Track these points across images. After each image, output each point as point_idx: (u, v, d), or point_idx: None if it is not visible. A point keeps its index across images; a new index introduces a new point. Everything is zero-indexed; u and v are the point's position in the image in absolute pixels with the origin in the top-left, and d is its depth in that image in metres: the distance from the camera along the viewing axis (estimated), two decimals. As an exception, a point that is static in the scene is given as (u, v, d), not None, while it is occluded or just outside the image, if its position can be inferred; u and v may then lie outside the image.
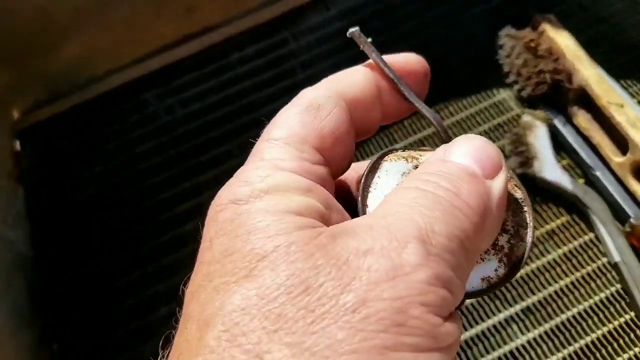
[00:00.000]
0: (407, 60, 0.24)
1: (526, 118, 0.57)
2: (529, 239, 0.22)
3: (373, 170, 0.22)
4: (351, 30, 0.23)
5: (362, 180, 0.21)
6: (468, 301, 0.50)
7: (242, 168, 0.20)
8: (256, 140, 0.21)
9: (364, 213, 0.20)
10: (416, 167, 0.22)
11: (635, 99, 0.60)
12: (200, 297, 0.17)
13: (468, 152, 0.19)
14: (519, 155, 0.54)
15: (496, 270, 0.21)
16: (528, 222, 0.22)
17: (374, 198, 0.21)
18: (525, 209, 0.22)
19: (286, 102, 0.66)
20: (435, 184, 0.18)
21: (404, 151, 0.23)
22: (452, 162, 0.19)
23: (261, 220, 0.17)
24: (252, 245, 0.17)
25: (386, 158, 0.22)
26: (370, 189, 0.21)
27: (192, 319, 0.17)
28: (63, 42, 0.66)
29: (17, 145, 0.68)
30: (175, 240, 0.59)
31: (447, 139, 0.23)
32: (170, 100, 0.69)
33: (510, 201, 0.22)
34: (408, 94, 0.23)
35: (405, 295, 0.16)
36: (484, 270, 0.21)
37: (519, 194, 0.23)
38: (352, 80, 0.22)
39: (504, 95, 0.62)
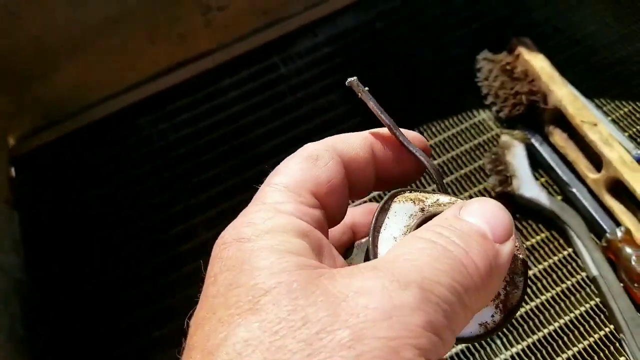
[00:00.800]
0: (412, 137, 0.25)
1: (504, 138, 0.59)
2: (522, 286, 0.23)
3: (383, 211, 0.23)
4: (349, 80, 0.25)
5: (373, 222, 0.22)
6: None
7: (245, 210, 0.21)
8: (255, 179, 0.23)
9: (375, 253, 0.22)
10: (422, 209, 0.23)
11: (609, 117, 0.63)
12: (205, 329, 0.18)
13: (483, 214, 0.20)
14: (498, 174, 0.57)
15: (493, 316, 0.22)
16: (522, 269, 0.23)
17: (384, 239, 0.22)
18: (520, 256, 0.23)
19: (276, 126, 0.69)
20: (447, 238, 0.19)
21: (411, 192, 0.23)
22: (466, 222, 0.20)
23: (265, 258, 0.19)
24: (256, 281, 0.18)
25: (395, 199, 0.23)
26: (380, 229, 0.22)
27: (196, 349, 0.18)
28: (58, 70, 0.68)
29: (13, 171, 0.69)
30: (170, 261, 0.61)
31: (442, 185, 0.25)
32: (163, 125, 0.71)
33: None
34: (404, 140, 0.24)
35: (400, 337, 0.16)
36: (481, 317, 0.22)
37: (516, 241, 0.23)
38: (350, 141, 0.23)
39: (483, 116, 0.65)
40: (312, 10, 0.77)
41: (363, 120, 0.67)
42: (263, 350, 0.17)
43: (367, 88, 0.25)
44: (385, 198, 0.23)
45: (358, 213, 0.28)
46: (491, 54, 0.63)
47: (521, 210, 0.57)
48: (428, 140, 0.64)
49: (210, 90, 0.73)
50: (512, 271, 0.23)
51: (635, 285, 0.49)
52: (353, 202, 0.49)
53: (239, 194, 0.64)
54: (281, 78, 0.73)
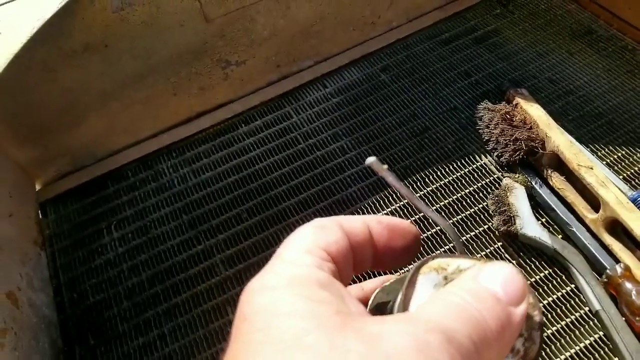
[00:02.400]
0: (403, 224, 0.28)
1: (506, 181, 0.63)
2: (539, 340, 0.25)
3: (411, 284, 0.25)
4: (369, 161, 0.27)
5: (402, 296, 0.24)
6: None
7: (267, 266, 0.24)
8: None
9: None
10: (445, 277, 0.25)
11: (604, 161, 0.67)
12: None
13: (498, 279, 0.23)
14: (501, 214, 0.60)
15: None
16: (538, 324, 0.25)
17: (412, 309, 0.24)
18: (536, 312, 0.25)
19: (290, 169, 0.75)
20: (465, 300, 0.21)
21: (434, 259, 0.26)
22: (482, 285, 0.22)
23: (300, 303, 0.21)
24: (296, 322, 0.20)
25: (420, 271, 0.25)
26: (409, 303, 0.24)
27: None
28: (86, 120, 0.73)
29: (40, 213, 0.73)
30: (190, 300, 0.63)
31: (461, 247, 0.28)
32: (184, 170, 0.75)
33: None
34: (423, 208, 0.28)
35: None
36: None
37: (530, 298, 0.25)
38: (350, 219, 0.27)
39: (485, 160, 0.69)
40: (322, 65, 0.83)
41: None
42: None
43: (385, 166, 0.27)
44: (412, 271, 0.25)
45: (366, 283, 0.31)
46: (491, 104, 0.68)
47: (524, 248, 0.60)
48: (434, 184, 0.68)
49: (228, 137, 0.77)
50: (529, 327, 0.25)
51: (637, 318, 0.51)
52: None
53: (257, 233, 0.67)
54: (294, 126, 0.77)
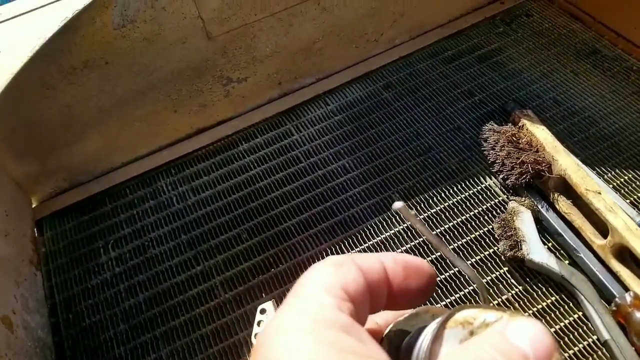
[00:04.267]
0: (419, 263, 0.27)
1: (512, 204, 0.62)
2: None
3: (437, 339, 0.24)
4: (397, 205, 0.26)
5: (427, 351, 0.23)
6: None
7: (285, 304, 0.23)
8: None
9: None
10: (471, 332, 0.24)
11: (610, 185, 0.66)
12: None
13: (527, 336, 0.22)
14: (508, 239, 0.59)
15: None
16: None
17: None
18: None
19: (291, 188, 0.73)
20: (491, 356, 0.21)
21: (460, 312, 0.25)
22: (511, 342, 0.22)
23: (320, 353, 0.20)
24: None
25: (446, 326, 0.24)
26: (434, 358, 0.23)
27: None
28: (84, 137, 0.72)
29: (36, 231, 0.71)
30: (188, 324, 0.62)
31: (486, 298, 0.27)
32: (183, 188, 0.74)
33: None
34: (449, 254, 0.27)
35: None
36: None
37: (557, 355, 0.24)
38: (366, 256, 0.26)
39: (490, 182, 0.68)
40: (323, 82, 0.82)
41: (372, 185, 0.70)
42: None
43: (413, 211, 0.26)
44: (438, 325, 0.24)
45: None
46: (497, 125, 0.67)
47: (531, 274, 0.59)
48: (438, 205, 0.67)
49: (228, 155, 0.76)
50: None
51: (647, 349, 0.50)
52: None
53: (257, 255, 0.66)
54: (295, 143, 0.76)
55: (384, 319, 0.29)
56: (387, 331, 0.28)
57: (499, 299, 0.58)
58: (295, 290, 0.24)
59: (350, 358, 0.20)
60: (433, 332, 0.24)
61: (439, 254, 0.62)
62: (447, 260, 0.23)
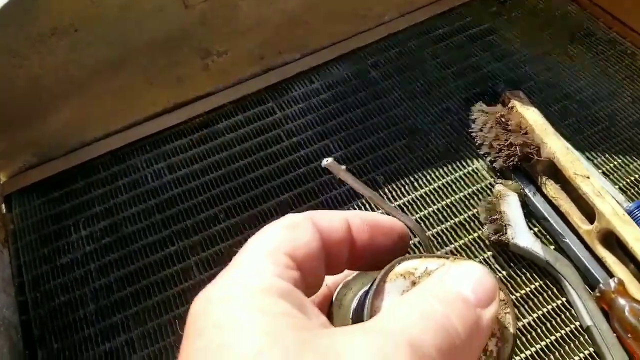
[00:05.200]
0: (388, 222, 0.26)
1: (499, 188, 0.60)
2: (512, 339, 0.24)
3: (378, 295, 0.23)
4: (326, 162, 0.25)
5: (369, 306, 0.23)
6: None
7: (224, 271, 0.22)
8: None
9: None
10: (413, 282, 0.24)
11: (600, 170, 0.64)
12: None
13: (467, 280, 0.22)
14: (492, 223, 0.57)
15: None
16: (511, 323, 0.24)
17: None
18: (508, 309, 0.24)
19: (273, 168, 0.70)
20: (432, 305, 0.20)
21: (400, 264, 0.24)
22: (450, 287, 0.21)
23: (256, 318, 0.19)
24: (251, 340, 0.19)
25: (386, 279, 0.24)
26: (377, 313, 0.23)
27: None
28: (55, 109, 0.69)
29: (3, 208, 0.68)
30: (160, 304, 0.59)
31: (428, 244, 0.27)
32: (158, 165, 0.71)
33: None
34: (388, 207, 0.26)
35: None
36: None
37: (502, 295, 0.24)
38: (328, 215, 0.24)
39: (477, 165, 0.66)
40: (309, 58, 0.79)
41: (356, 165, 0.68)
42: None
43: (344, 166, 0.25)
44: (377, 281, 0.24)
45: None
46: (486, 106, 0.65)
47: (515, 259, 0.57)
48: (422, 188, 0.65)
49: (206, 132, 0.73)
50: (501, 326, 0.24)
51: (629, 336, 0.48)
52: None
53: (234, 235, 0.63)
54: (277, 122, 0.74)
55: (334, 280, 0.28)
56: (335, 293, 0.27)
57: (482, 285, 0.56)
58: (236, 257, 0.22)
59: (283, 322, 0.19)
60: (374, 287, 0.23)
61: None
62: (389, 214, 0.22)
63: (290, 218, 0.24)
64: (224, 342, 0.19)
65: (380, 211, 0.55)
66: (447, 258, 0.24)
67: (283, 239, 0.22)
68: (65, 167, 0.71)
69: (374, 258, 0.25)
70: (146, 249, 0.64)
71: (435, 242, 0.60)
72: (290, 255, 0.22)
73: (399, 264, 0.24)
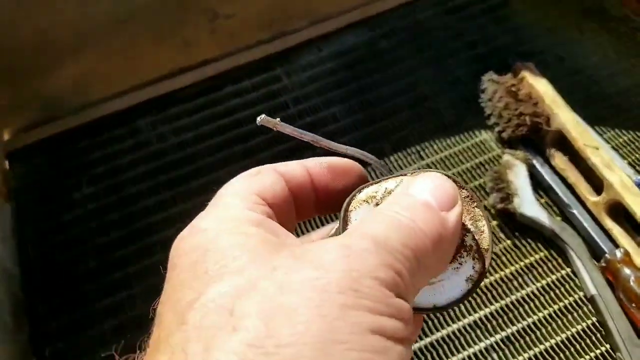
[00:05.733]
0: (344, 163, 0.27)
1: (506, 157, 0.59)
2: (487, 228, 0.25)
3: (345, 224, 0.24)
4: (259, 118, 0.26)
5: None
6: (446, 331, 0.51)
7: (201, 213, 0.23)
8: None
9: None
10: (377, 204, 0.24)
11: (609, 145, 0.63)
12: (173, 298, 0.20)
13: (427, 188, 0.23)
14: (499, 192, 0.57)
15: (474, 267, 0.24)
16: (481, 214, 0.25)
17: None
18: (475, 204, 0.25)
19: (277, 134, 0.70)
20: (397, 212, 0.21)
21: (360, 193, 0.25)
22: (413, 196, 0.22)
23: (228, 238, 0.21)
24: (223, 254, 0.20)
25: (350, 209, 0.25)
26: None
27: (165, 315, 0.20)
28: (61, 66, 0.68)
29: (7, 164, 0.68)
30: (162, 263, 0.59)
31: (385, 170, 0.28)
32: (163, 129, 0.70)
33: (462, 203, 0.25)
34: (333, 145, 0.27)
35: (359, 269, 0.19)
36: (465, 272, 0.24)
37: (465, 192, 0.25)
38: (287, 164, 0.26)
39: (485, 136, 0.65)
40: (318, 26, 0.78)
41: (363, 134, 0.67)
42: (234, 296, 0.18)
43: (278, 119, 0.26)
44: (342, 212, 0.24)
45: None
46: (496, 76, 0.64)
47: (521, 228, 0.57)
48: (429, 157, 0.65)
49: (212, 97, 0.72)
50: (474, 220, 0.25)
51: (633, 305, 0.48)
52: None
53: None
54: (284, 90, 0.73)
55: (320, 235, 0.29)
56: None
57: (486, 252, 0.56)
58: (210, 202, 0.24)
59: (255, 239, 0.20)
60: (340, 219, 0.24)
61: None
62: (334, 150, 0.26)
63: (254, 168, 0.25)
64: (197, 260, 0.20)
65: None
66: (405, 175, 0.25)
67: (249, 183, 0.24)
68: (70, 126, 0.70)
69: (340, 200, 0.25)
70: (149, 210, 0.63)
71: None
72: (259, 195, 0.23)
73: (360, 192, 0.25)
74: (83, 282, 0.59)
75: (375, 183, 0.25)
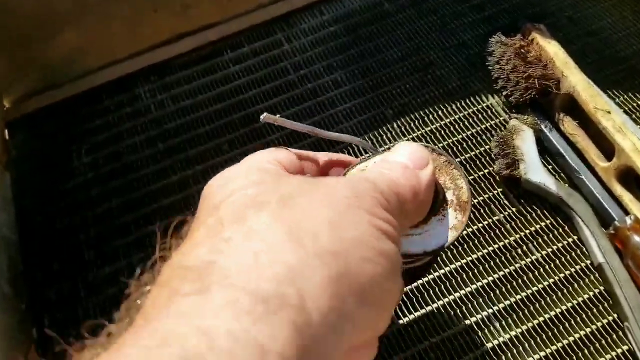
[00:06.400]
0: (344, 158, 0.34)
1: (513, 122, 0.57)
2: (465, 184, 0.31)
3: None
4: (262, 116, 0.30)
5: None
6: (448, 299, 0.50)
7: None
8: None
9: None
10: None
11: (622, 109, 0.60)
12: (203, 210, 0.26)
13: (404, 153, 0.29)
14: (505, 157, 0.55)
15: (457, 217, 0.30)
16: (459, 174, 0.31)
17: None
18: (453, 166, 0.31)
19: (277, 100, 0.69)
20: (381, 173, 0.27)
21: (352, 168, 0.31)
22: (392, 159, 0.28)
23: (246, 173, 0.27)
24: (239, 183, 0.26)
25: None
26: None
27: (198, 217, 0.26)
28: (60, 33, 0.66)
29: (6, 133, 0.67)
30: (161, 231, 0.58)
31: (373, 149, 0.32)
32: (162, 96, 0.69)
33: (440, 167, 0.31)
34: (328, 134, 0.33)
35: (360, 191, 0.24)
36: (449, 222, 0.29)
37: (444, 158, 0.31)
38: (299, 151, 0.32)
39: (492, 101, 0.63)
40: (321, -11, 0.75)
41: (365, 100, 0.65)
42: (256, 194, 0.24)
43: (278, 115, 0.30)
44: None
45: None
46: (504, 37, 0.62)
47: (527, 195, 0.55)
48: (433, 124, 0.63)
49: (212, 63, 0.71)
50: (452, 178, 0.31)
51: (643, 274, 0.46)
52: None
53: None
54: (284, 54, 0.71)
55: None
56: None
57: (490, 220, 0.54)
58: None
59: (270, 173, 0.26)
60: None
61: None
62: (329, 138, 0.34)
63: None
64: (226, 183, 0.26)
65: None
66: (389, 148, 0.30)
67: (269, 152, 0.29)
68: (69, 95, 0.69)
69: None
70: (148, 178, 0.63)
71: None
72: (278, 161, 0.28)
73: (353, 168, 0.31)
74: (82, 250, 0.59)
75: (363, 160, 0.31)
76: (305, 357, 0.18)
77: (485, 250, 0.52)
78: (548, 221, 0.54)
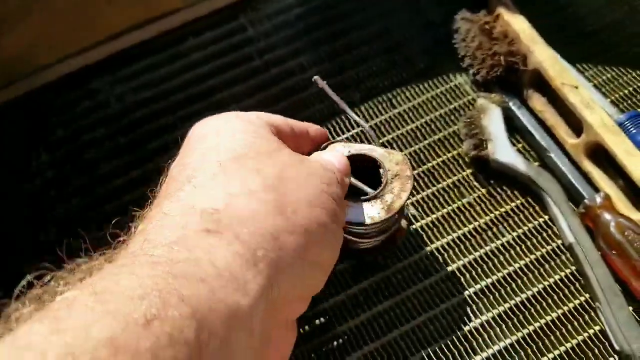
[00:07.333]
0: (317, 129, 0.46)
1: (481, 101, 0.56)
2: (404, 198, 0.41)
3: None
4: (314, 78, 0.47)
5: None
6: (418, 287, 0.49)
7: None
8: None
9: None
10: (349, 151, 0.44)
11: (591, 83, 0.59)
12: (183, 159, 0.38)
13: (333, 154, 0.40)
14: (472, 138, 0.53)
15: (379, 213, 0.40)
16: (409, 189, 0.41)
17: None
18: (410, 181, 0.41)
19: (242, 88, 0.72)
20: (315, 158, 0.39)
21: (331, 144, 0.45)
22: (323, 157, 0.39)
23: (237, 125, 0.39)
24: (228, 137, 0.38)
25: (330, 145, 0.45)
26: None
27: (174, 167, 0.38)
28: (10, 29, 0.63)
29: (-40, 134, 0.65)
30: (124, 228, 0.57)
31: (376, 140, 0.45)
32: (121, 88, 0.66)
33: (402, 176, 0.42)
34: (347, 111, 0.46)
35: (314, 166, 0.36)
36: (371, 212, 0.40)
37: (409, 172, 0.42)
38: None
39: (460, 80, 0.62)
40: (285, -29, 0.73)
41: (332, 84, 0.63)
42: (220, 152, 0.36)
43: (325, 82, 0.45)
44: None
45: None
46: (470, 14, 0.60)
47: (496, 175, 0.54)
48: (401, 105, 0.61)
49: (173, 52, 0.68)
50: (402, 188, 0.41)
51: (613, 252, 0.46)
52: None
53: (199, 159, 0.60)
54: (249, 40, 0.68)
55: None
56: None
57: (460, 202, 0.53)
58: None
59: (261, 130, 0.37)
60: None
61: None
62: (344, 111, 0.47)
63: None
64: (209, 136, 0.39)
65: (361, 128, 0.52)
66: (383, 144, 0.44)
67: (262, 114, 0.39)
68: (23, 91, 0.66)
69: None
70: (110, 174, 0.60)
71: (413, 161, 0.57)
72: (269, 123, 0.39)
73: (332, 144, 0.44)
74: (45, 253, 0.56)
75: (344, 142, 0.44)
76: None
77: (456, 234, 0.51)
78: (518, 201, 0.53)
